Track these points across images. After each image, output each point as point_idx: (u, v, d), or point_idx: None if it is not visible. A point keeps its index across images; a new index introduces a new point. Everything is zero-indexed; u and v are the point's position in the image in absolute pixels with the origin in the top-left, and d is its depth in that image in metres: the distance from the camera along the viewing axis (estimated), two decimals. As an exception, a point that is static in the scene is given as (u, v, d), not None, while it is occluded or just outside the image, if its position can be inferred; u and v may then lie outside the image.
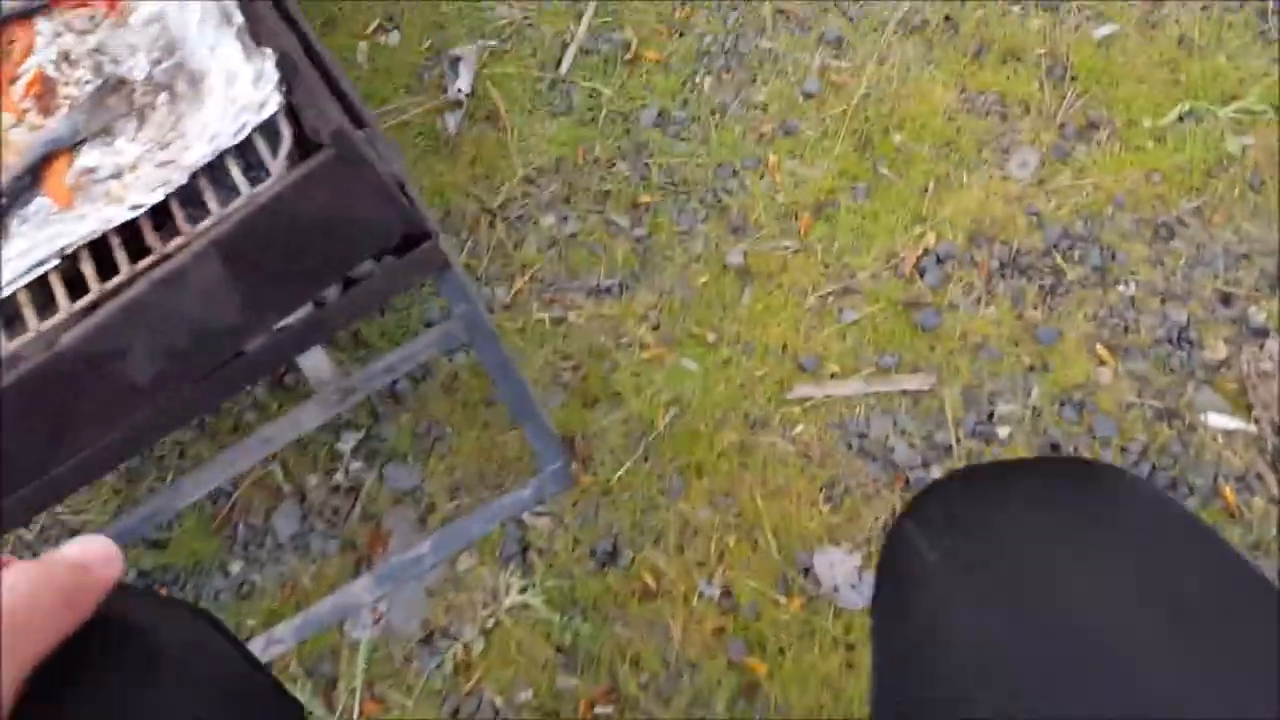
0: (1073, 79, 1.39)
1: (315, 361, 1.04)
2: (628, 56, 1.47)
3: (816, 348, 1.26)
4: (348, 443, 1.25)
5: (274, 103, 0.79)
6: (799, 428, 1.22)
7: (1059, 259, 1.28)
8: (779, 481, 1.19)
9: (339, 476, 1.25)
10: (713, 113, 1.42)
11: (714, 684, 1.09)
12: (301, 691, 1.14)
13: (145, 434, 0.95)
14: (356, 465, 1.25)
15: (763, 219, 1.34)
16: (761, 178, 1.37)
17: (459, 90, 1.44)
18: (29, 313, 0.77)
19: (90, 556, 0.38)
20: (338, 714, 1.13)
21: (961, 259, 1.29)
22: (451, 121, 1.44)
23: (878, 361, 1.25)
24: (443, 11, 1.51)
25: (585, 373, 1.27)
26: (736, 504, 1.18)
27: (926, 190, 1.34)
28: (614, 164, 1.40)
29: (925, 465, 1.19)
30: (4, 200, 0.78)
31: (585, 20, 1.50)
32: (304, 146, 0.83)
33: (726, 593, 1.14)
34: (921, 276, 1.29)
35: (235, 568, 1.22)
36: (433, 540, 1.19)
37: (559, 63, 1.47)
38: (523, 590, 1.15)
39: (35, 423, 0.83)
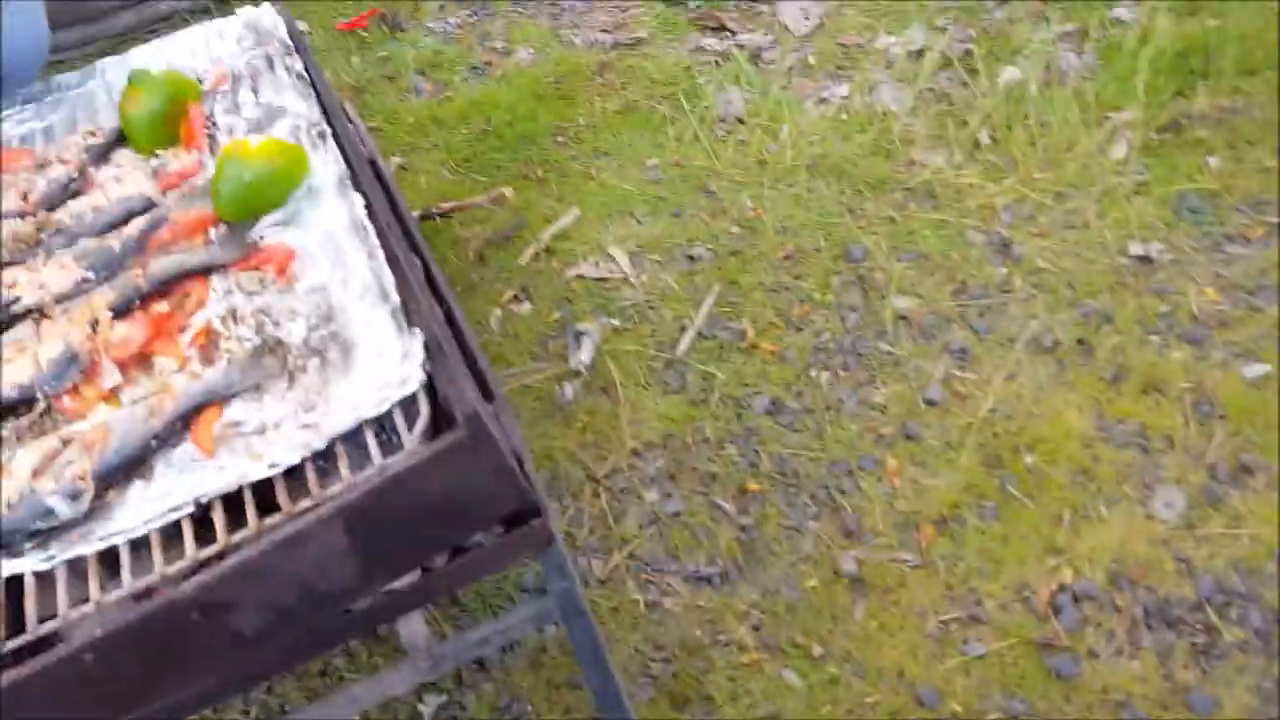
0: (1221, 418, 1.34)
1: (413, 627, 1.03)
2: (743, 345, 1.53)
3: (937, 680, 1.18)
4: (429, 706, 1.22)
5: (416, 380, 0.83)
6: (915, 770, 1.13)
7: (1213, 616, 1.18)
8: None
9: (415, 741, 1.21)
10: (828, 408, 1.44)
11: None
12: None
13: (240, 682, 0.94)
14: (433, 734, 1.21)
15: (880, 525, 1.31)
16: (879, 480, 1.35)
17: (580, 362, 1.50)
18: (157, 552, 0.79)
19: None
20: None
21: (1102, 601, 1.21)
22: (569, 390, 1.49)
23: (1006, 706, 1.15)
24: (572, 288, 1.60)
25: (677, 669, 1.22)
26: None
27: (1062, 520, 1.28)
28: (723, 446, 1.41)
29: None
30: (155, 443, 0.82)
31: (705, 308, 1.57)
32: (436, 418, 0.86)
33: None
34: (1057, 615, 1.20)
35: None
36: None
37: (676, 344, 1.53)
38: None
39: (140, 660, 0.83)
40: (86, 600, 0.78)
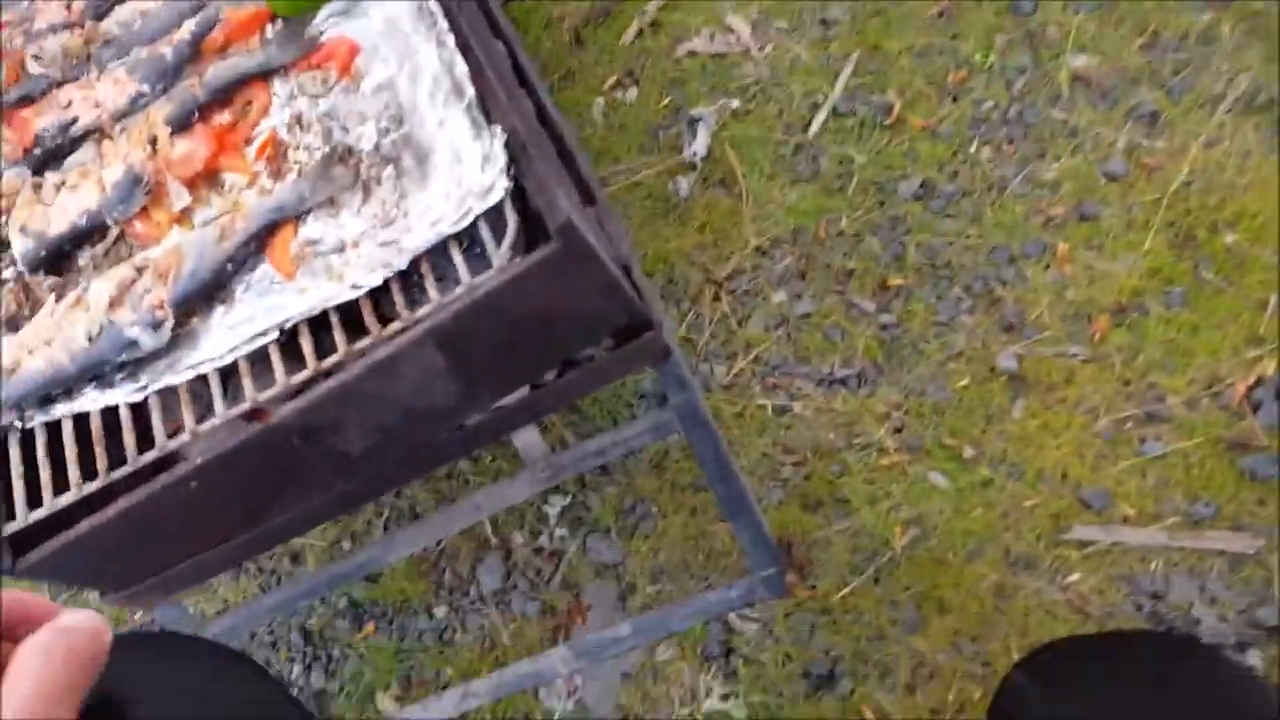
0: None
1: (529, 439, 0.99)
2: (888, 121, 1.35)
3: (1107, 481, 1.08)
4: (554, 507, 1.21)
5: (500, 189, 0.73)
6: (1075, 575, 1.05)
7: None
8: (1042, 635, 1.03)
9: (544, 539, 1.21)
10: (989, 188, 1.27)
11: None
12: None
13: (354, 499, 0.93)
14: (561, 532, 1.20)
15: (1046, 318, 1.17)
16: (1046, 268, 1.20)
17: (694, 153, 1.37)
18: (246, 381, 0.76)
19: (94, 628, 0.39)
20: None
21: (1309, 396, 1.06)
22: (684, 185, 1.37)
23: (1188, 510, 1.05)
24: (684, 67, 1.44)
25: (809, 472, 1.16)
26: (985, 652, 1.03)
27: (1267, 306, 1.12)
28: (862, 239, 1.28)
29: (1240, 647, 0.98)
30: (231, 267, 0.77)
31: (842, 80, 1.39)
32: (530, 228, 0.78)
33: (954, 751, 0.99)
34: (1254, 412, 1.07)
35: (440, 612, 1.21)
36: (634, 624, 1.12)
37: (807, 125, 1.37)
38: (725, 698, 1.06)
39: (243, 486, 0.82)
40: (181, 430, 0.76)
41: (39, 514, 0.77)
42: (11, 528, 0.78)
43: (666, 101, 1.42)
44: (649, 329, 0.89)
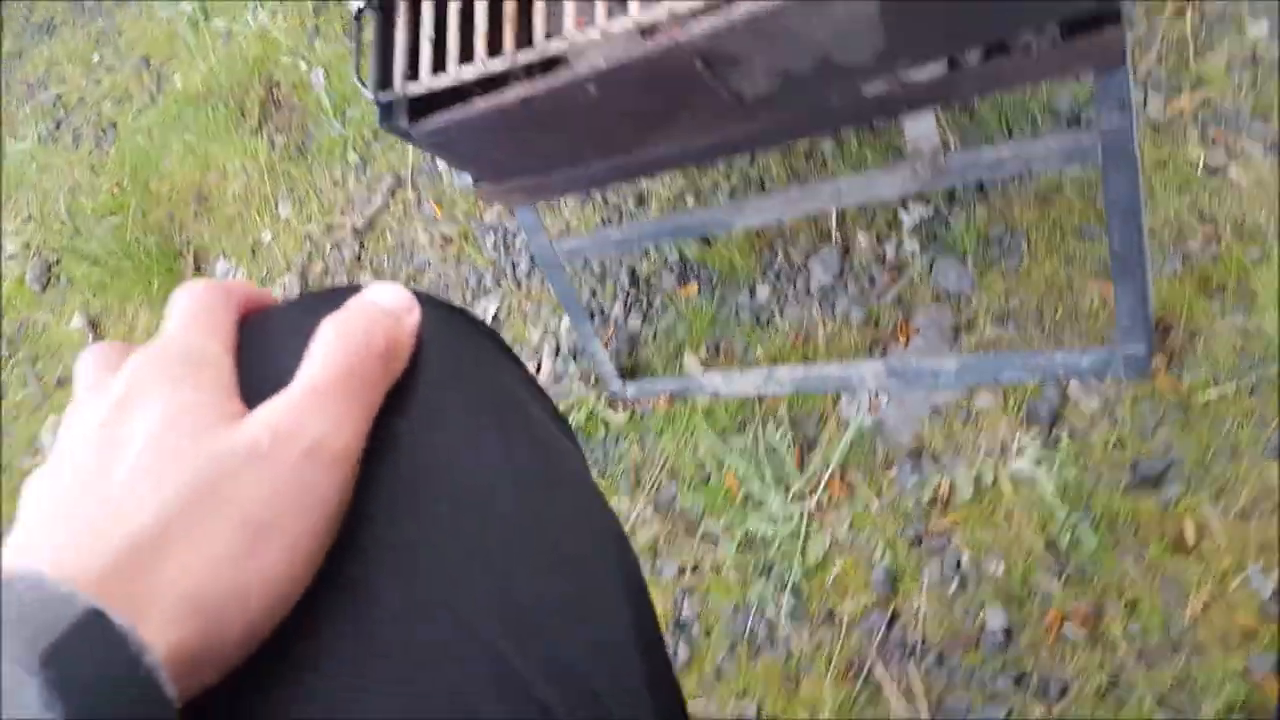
0: None
1: (923, 129, 0.89)
2: None
3: None
4: (912, 215, 1.12)
5: None
6: None
7: None
8: None
9: (889, 247, 1.13)
10: None
11: (1215, 682, 0.87)
12: (780, 439, 1.12)
13: (730, 146, 0.89)
14: (912, 245, 1.12)
15: None
16: None
17: None
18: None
19: (399, 306, 0.38)
20: (805, 476, 1.10)
21: None
22: None
23: None
24: None
25: (1222, 251, 0.99)
26: (1354, 503, 0.89)
27: None
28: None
29: None
30: None
31: None
32: None
33: (1284, 593, 0.89)
34: None
35: (762, 293, 1.19)
36: (961, 361, 1.05)
37: None
38: (1037, 462, 0.99)
39: (636, 101, 0.79)
40: (593, 25, 0.72)
41: (443, 80, 0.78)
42: (413, 89, 0.80)
43: None
44: (1114, 22, 0.74)
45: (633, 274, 1.28)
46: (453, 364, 0.39)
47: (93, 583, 0.28)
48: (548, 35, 0.74)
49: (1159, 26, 1.07)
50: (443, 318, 0.41)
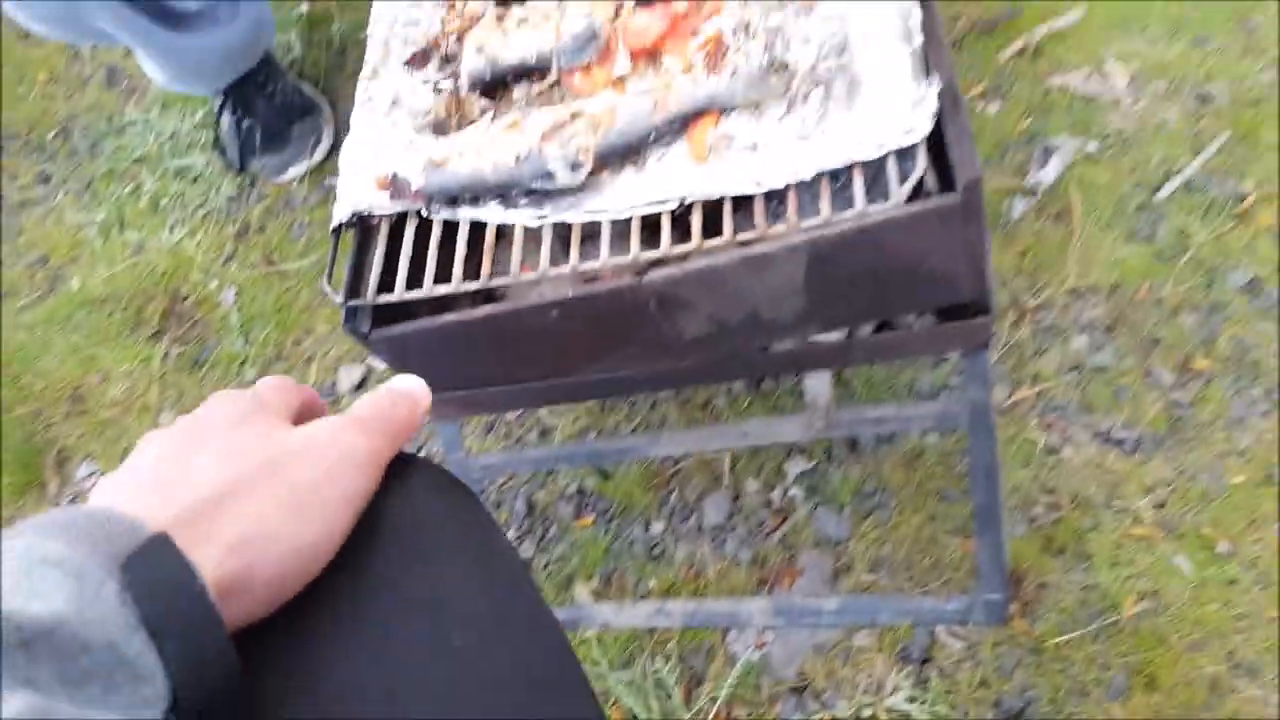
0: None
1: (821, 384, 1.02)
2: (1238, 210, 1.31)
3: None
4: (795, 466, 1.24)
5: (922, 131, 0.77)
6: (1306, 697, 1.00)
7: None
8: (1253, 743, 0.99)
9: (775, 494, 1.24)
10: (1324, 303, 1.22)
11: None
12: (669, 673, 1.15)
13: (654, 380, 0.99)
14: (795, 493, 1.23)
15: (1356, 440, 1.12)
16: (1366, 394, 1.15)
17: (1040, 180, 1.36)
18: (634, 237, 0.82)
19: (416, 392, 0.49)
20: (692, 711, 1.12)
21: None
22: (1019, 206, 1.36)
23: None
24: (1051, 98, 1.44)
25: (1061, 517, 1.14)
26: (1187, 740, 1.00)
27: None
28: (1178, 314, 1.25)
29: None
30: (653, 136, 0.83)
31: (1203, 156, 1.35)
32: (921, 181, 0.80)
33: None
34: None
35: (657, 528, 1.26)
36: (840, 602, 1.13)
37: (1158, 188, 1.34)
38: (910, 700, 1.06)
39: (592, 329, 0.88)
40: (566, 263, 0.83)
41: (416, 293, 0.86)
42: (385, 298, 0.87)
43: (1025, 125, 1.42)
44: (984, 313, 0.91)
45: (530, 503, 1.33)
46: (443, 505, 0.48)
47: (161, 523, 0.36)
48: (522, 263, 0.84)
49: (1003, 331, 1.28)
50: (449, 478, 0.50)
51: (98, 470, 1.53)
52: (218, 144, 1.74)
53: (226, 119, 1.69)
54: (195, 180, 1.78)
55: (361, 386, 1.49)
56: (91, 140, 1.91)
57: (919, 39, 0.81)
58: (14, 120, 2.00)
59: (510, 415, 1.39)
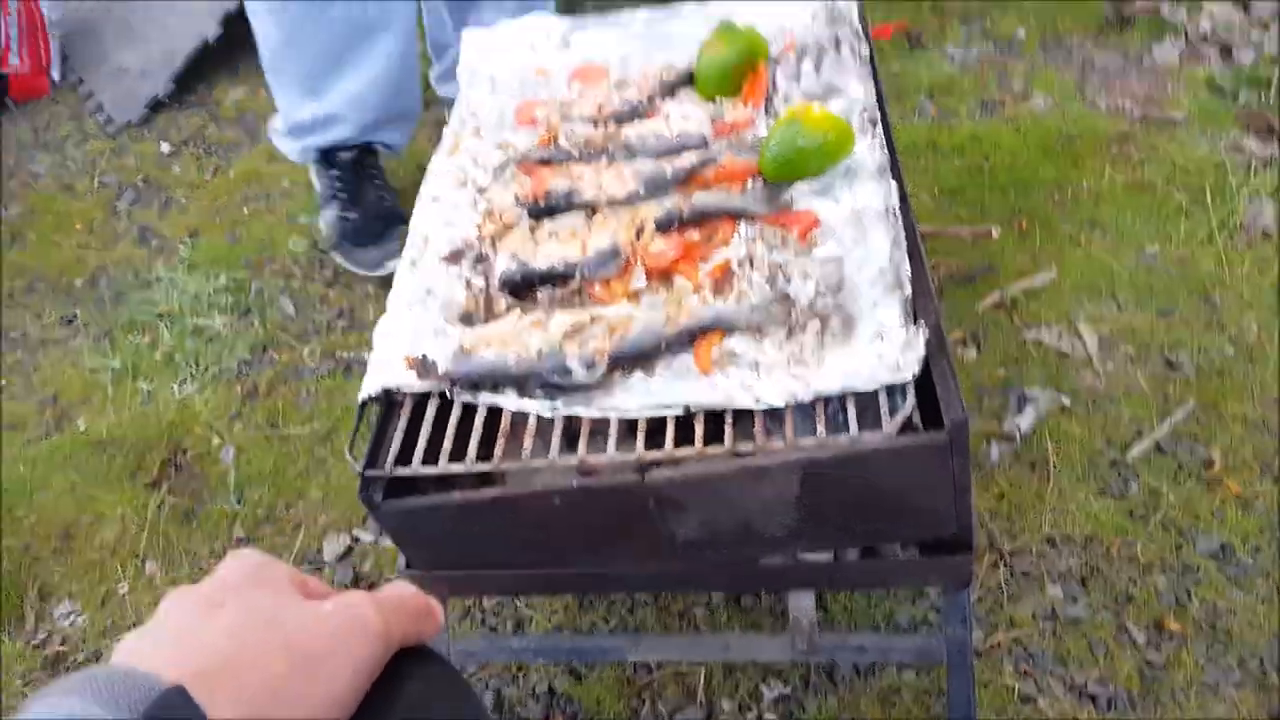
0: None
1: (806, 605, 1.04)
2: (1206, 474, 1.37)
3: None
4: (772, 690, 1.23)
5: (912, 371, 0.84)
6: None
7: None
8: None
9: (750, 717, 1.22)
10: (1291, 579, 1.26)
11: None
12: None
13: (645, 580, 1.01)
14: (770, 718, 1.22)
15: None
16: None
17: (1017, 427, 1.44)
18: (641, 439, 0.86)
19: (435, 605, 0.52)
20: None
21: None
22: (996, 451, 1.43)
23: None
24: (1026, 350, 1.53)
25: (1035, 762, 1.13)
26: None
27: None
28: (1151, 572, 1.28)
29: None
30: (664, 346, 0.90)
31: (1171, 421, 1.43)
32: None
33: None
34: None
35: (627, 741, 1.24)
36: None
37: (1128, 447, 1.41)
38: None
39: (593, 521, 0.91)
40: (574, 454, 0.87)
41: (431, 469, 0.90)
42: (401, 471, 0.91)
43: (1001, 374, 1.50)
44: (966, 550, 0.94)
45: (499, 697, 1.31)
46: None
47: (177, 678, 0.39)
48: (532, 452, 0.88)
49: (980, 572, 1.31)
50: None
51: (76, 611, 1.50)
52: (314, 237, 1.93)
53: (331, 212, 1.87)
54: (211, 340, 1.85)
55: (346, 556, 1.50)
56: (117, 291, 1.99)
57: (908, 289, 0.90)
58: (47, 264, 2.09)
59: (488, 602, 1.39)
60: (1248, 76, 1.92)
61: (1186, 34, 2.03)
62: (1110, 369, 1.50)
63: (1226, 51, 1.99)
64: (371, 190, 1.88)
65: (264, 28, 1.77)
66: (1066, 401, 1.47)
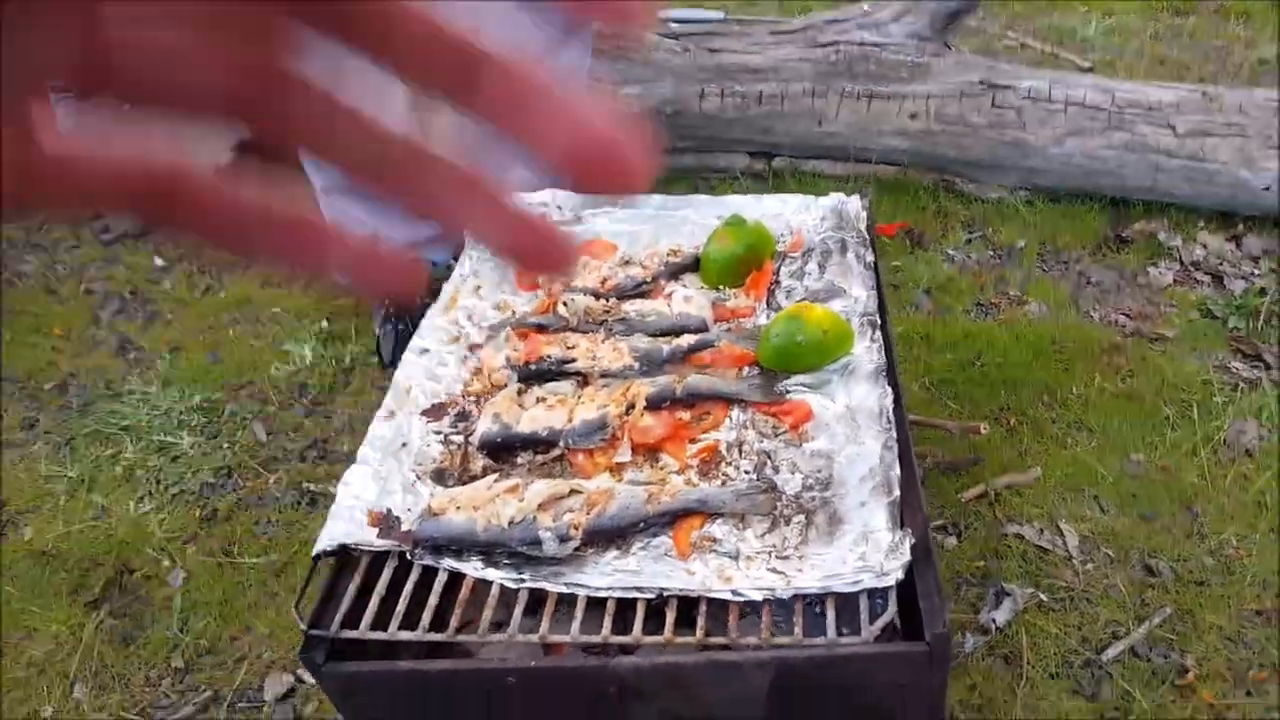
0: None
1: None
2: (1180, 682, 1.35)
3: None
4: None
5: (894, 578, 0.82)
6: None
7: None
8: None
9: None
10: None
11: None
12: None
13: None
14: None
15: None
16: None
17: (993, 619, 1.41)
18: (608, 618, 0.83)
19: None
20: None
21: None
22: (970, 642, 1.39)
23: None
24: (1007, 544, 1.52)
25: None
26: None
27: None
28: (1124, 784, 1.24)
29: None
30: (642, 525, 0.88)
31: (1148, 626, 1.41)
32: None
33: None
34: None
35: None
36: None
37: (1103, 649, 1.39)
38: None
39: (547, 703, 0.87)
40: (536, 631, 0.84)
41: (379, 635, 0.86)
42: (347, 633, 0.87)
43: (980, 565, 1.49)
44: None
45: None
46: None
47: None
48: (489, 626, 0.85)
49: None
50: None
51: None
52: (376, 349, 1.95)
53: (389, 326, 1.93)
54: (176, 459, 1.80)
55: (288, 697, 1.42)
56: (85, 399, 1.96)
57: (897, 493, 0.88)
58: (16, 365, 2.06)
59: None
60: (1238, 305, 1.98)
61: (1181, 259, 2.10)
62: (1090, 569, 1.49)
63: (1218, 279, 2.06)
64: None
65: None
66: (1044, 598, 1.45)
